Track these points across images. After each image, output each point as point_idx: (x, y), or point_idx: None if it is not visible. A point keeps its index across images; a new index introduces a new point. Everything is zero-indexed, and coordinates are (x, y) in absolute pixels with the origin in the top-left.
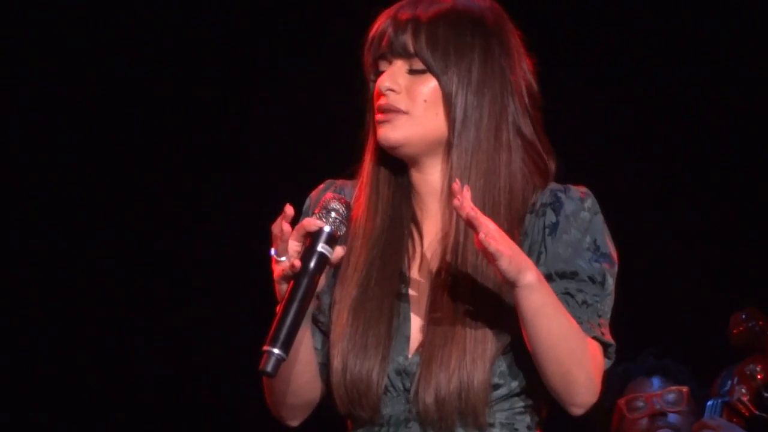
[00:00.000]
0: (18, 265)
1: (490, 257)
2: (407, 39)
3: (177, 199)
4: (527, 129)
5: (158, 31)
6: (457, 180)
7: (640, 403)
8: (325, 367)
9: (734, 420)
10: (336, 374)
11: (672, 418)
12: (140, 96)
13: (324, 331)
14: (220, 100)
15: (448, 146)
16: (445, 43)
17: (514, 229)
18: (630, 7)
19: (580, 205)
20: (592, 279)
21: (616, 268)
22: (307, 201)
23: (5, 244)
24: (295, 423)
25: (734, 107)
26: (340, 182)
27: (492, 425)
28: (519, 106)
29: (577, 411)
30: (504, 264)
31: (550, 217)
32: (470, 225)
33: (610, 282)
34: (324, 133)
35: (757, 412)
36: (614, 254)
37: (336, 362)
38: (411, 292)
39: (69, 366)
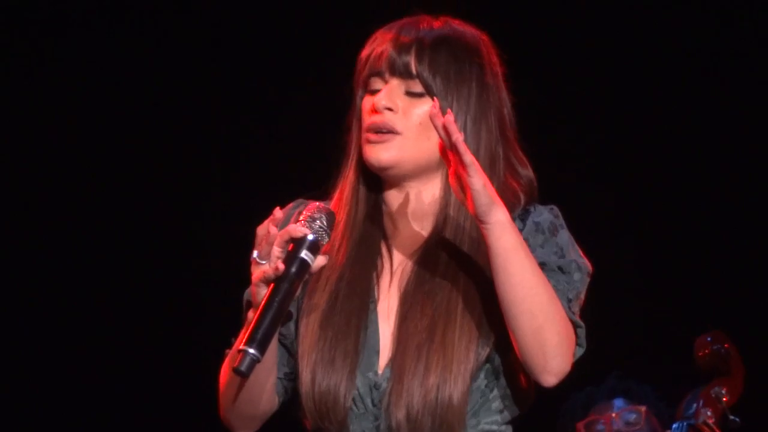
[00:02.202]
0: (17, 265)
1: (464, 175)
2: (410, 60)
3: (176, 198)
4: (514, 160)
5: (161, 31)
6: (435, 100)
7: (600, 426)
8: (282, 381)
9: None
10: (305, 387)
11: None
12: (139, 96)
13: (285, 345)
14: (219, 103)
15: (442, 170)
16: (446, 68)
17: None
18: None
19: (548, 214)
20: (561, 269)
21: (586, 270)
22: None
23: (5, 244)
24: None
25: (699, 134)
26: (309, 202)
27: None
28: (509, 138)
29: (551, 380)
30: (476, 185)
31: (518, 225)
32: (448, 136)
33: (579, 276)
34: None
35: None
36: (585, 259)
37: (304, 375)
38: (380, 307)
39: (69, 365)
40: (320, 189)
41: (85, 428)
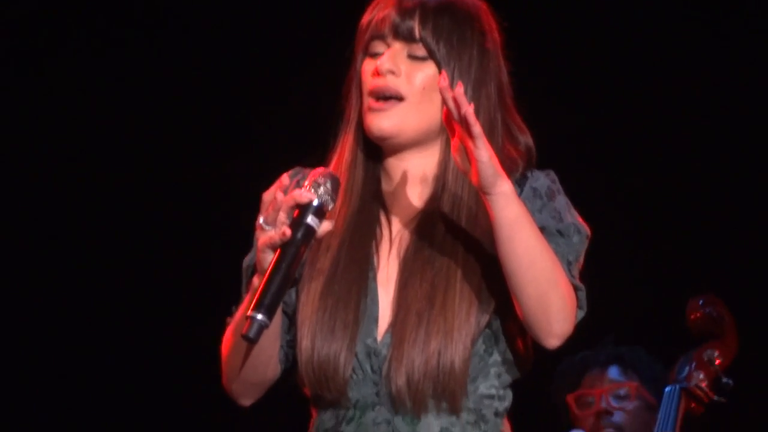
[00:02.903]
0: (17, 264)
1: (471, 146)
2: (414, 24)
3: (176, 197)
4: (513, 126)
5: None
6: (444, 72)
7: (590, 399)
8: (284, 349)
9: (692, 405)
10: (304, 355)
11: (617, 417)
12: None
13: (287, 313)
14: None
15: (445, 133)
16: (449, 33)
17: None
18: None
19: (545, 179)
20: (560, 232)
21: (585, 233)
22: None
23: (6, 244)
24: (247, 402)
25: (691, 97)
26: (307, 171)
27: (462, 409)
28: (508, 105)
29: (554, 342)
30: (483, 157)
31: (516, 190)
32: (457, 108)
33: (578, 239)
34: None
35: (715, 398)
36: (583, 223)
37: (304, 343)
38: (380, 275)
39: (69, 365)
40: (316, 159)
41: (86, 428)
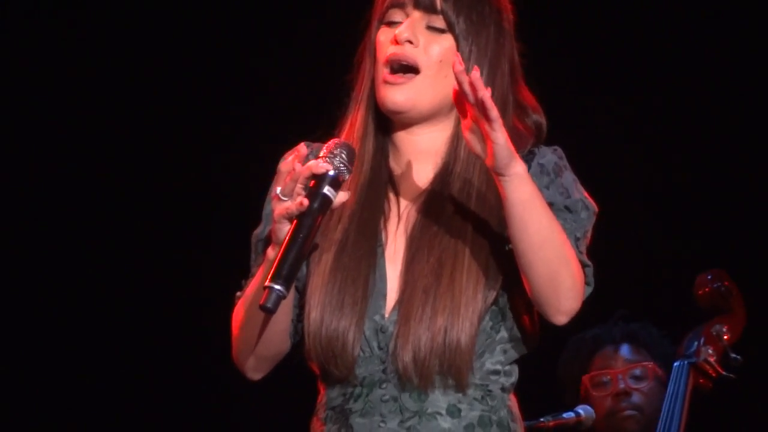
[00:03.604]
0: (17, 264)
1: (487, 129)
2: None
3: (177, 198)
4: (524, 104)
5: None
6: (458, 55)
7: (605, 379)
8: (293, 323)
9: (701, 381)
10: (312, 327)
11: (635, 398)
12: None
13: (297, 287)
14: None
15: (454, 113)
16: (469, 9)
17: None
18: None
19: (552, 155)
20: (568, 208)
21: (592, 209)
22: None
23: (8, 244)
24: (258, 375)
25: (702, 76)
26: (315, 145)
27: (468, 386)
28: (520, 83)
29: (563, 319)
30: (500, 140)
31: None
32: (474, 91)
33: (586, 215)
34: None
35: (723, 373)
36: (590, 199)
37: (313, 315)
38: (387, 251)
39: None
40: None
41: (86, 428)
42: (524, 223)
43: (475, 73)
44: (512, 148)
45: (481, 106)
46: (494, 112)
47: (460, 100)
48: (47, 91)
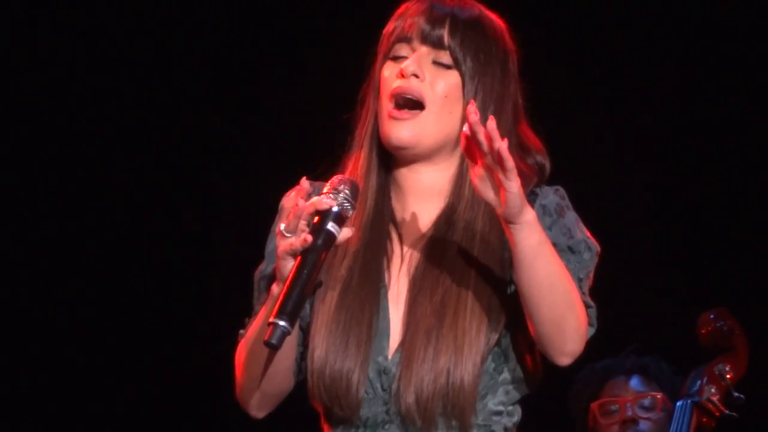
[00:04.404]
0: (17, 264)
1: (501, 178)
2: (443, 32)
3: (177, 199)
4: (527, 145)
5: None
6: (473, 103)
7: (614, 407)
8: (297, 361)
9: (704, 420)
10: (317, 365)
11: (643, 426)
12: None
13: (301, 326)
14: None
15: (458, 151)
16: (477, 48)
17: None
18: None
19: (554, 196)
20: (571, 249)
21: (595, 250)
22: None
23: (9, 244)
24: (261, 414)
25: (713, 120)
26: (317, 183)
27: (471, 427)
28: (523, 124)
29: (566, 360)
30: (514, 189)
31: None
32: (489, 141)
33: (589, 256)
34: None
35: (726, 412)
36: (593, 239)
37: (317, 353)
38: (391, 291)
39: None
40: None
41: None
42: (534, 269)
43: (492, 123)
44: (523, 195)
45: (497, 156)
46: (510, 162)
47: (470, 147)
48: (57, 100)
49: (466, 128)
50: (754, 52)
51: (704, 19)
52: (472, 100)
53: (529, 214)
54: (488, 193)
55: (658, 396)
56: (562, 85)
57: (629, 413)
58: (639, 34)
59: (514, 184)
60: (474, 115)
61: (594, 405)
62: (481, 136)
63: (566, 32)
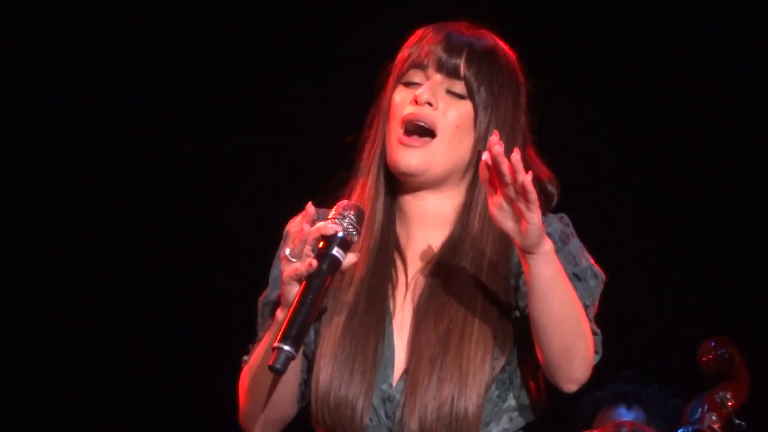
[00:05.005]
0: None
1: (523, 210)
2: (460, 62)
3: (179, 201)
4: (536, 175)
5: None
6: (496, 132)
7: None
8: (300, 387)
9: None
10: (321, 390)
11: None
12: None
13: (305, 353)
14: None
15: (469, 176)
16: (491, 79)
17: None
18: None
19: (558, 224)
20: (577, 276)
21: (600, 277)
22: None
23: (10, 244)
24: None
25: (711, 135)
26: (322, 210)
27: None
28: (531, 155)
29: (573, 387)
30: (535, 220)
31: None
32: (513, 174)
33: (594, 283)
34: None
35: None
36: (597, 267)
37: (322, 377)
38: (396, 319)
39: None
40: (325, 194)
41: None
42: (548, 299)
43: (516, 156)
44: (543, 227)
45: (521, 189)
46: (534, 195)
47: (490, 177)
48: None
49: (486, 157)
50: (755, 52)
51: (704, 19)
52: (496, 131)
53: (547, 245)
54: (507, 223)
55: (628, 423)
56: (560, 107)
57: None
58: (636, 46)
59: (535, 216)
60: (498, 147)
61: None
62: (505, 168)
63: (565, 51)
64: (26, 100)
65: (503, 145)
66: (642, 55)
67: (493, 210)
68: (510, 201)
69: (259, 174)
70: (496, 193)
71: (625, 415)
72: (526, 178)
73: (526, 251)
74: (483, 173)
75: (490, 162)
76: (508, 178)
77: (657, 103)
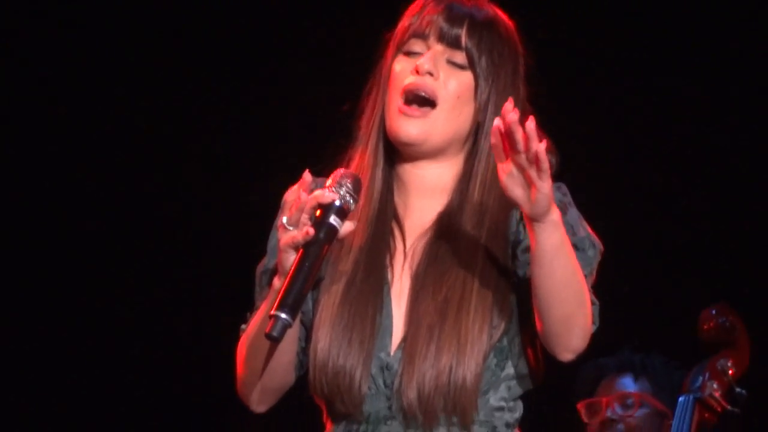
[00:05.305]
0: (18, 264)
1: (534, 178)
2: (461, 32)
3: (178, 201)
4: None
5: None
6: (511, 100)
7: (597, 407)
8: (299, 356)
9: (706, 415)
10: (319, 359)
11: (620, 427)
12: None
13: (303, 322)
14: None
15: (468, 146)
16: (491, 49)
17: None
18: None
19: (556, 193)
20: (575, 246)
21: (598, 247)
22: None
23: (11, 245)
24: (262, 408)
25: (712, 113)
26: (320, 180)
27: (473, 423)
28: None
29: (570, 357)
30: (546, 189)
31: None
32: (527, 141)
33: (593, 253)
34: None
35: (729, 407)
36: (595, 237)
37: (320, 346)
38: (393, 288)
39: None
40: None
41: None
42: (552, 268)
43: (531, 124)
44: (552, 195)
45: (534, 157)
46: (547, 164)
47: (500, 144)
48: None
49: (497, 122)
50: (755, 53)
51: (703, 19)
52: (511, 98)
53: (555, 214)
54: (516, 190)
55: (636, 394)
56: (562, 83)
57: (608, 413)
58: (640, 37)
59: (546, 185)
60: (513, 114)
61: (580, 405)
62: (519, 136)
63: (567, 33)
64: (25, 100)
65: (518, 112)
66: (639, 42)
67: (503, 177)
68: (521, 168)
69: (255, 145)
70: (506, 159)
71: (630, 385)
72: (540, 147)
73: (534, 219)
74: (495, 139)
75: (503, 129)
76: (521, 146)
77: (656, 72)
